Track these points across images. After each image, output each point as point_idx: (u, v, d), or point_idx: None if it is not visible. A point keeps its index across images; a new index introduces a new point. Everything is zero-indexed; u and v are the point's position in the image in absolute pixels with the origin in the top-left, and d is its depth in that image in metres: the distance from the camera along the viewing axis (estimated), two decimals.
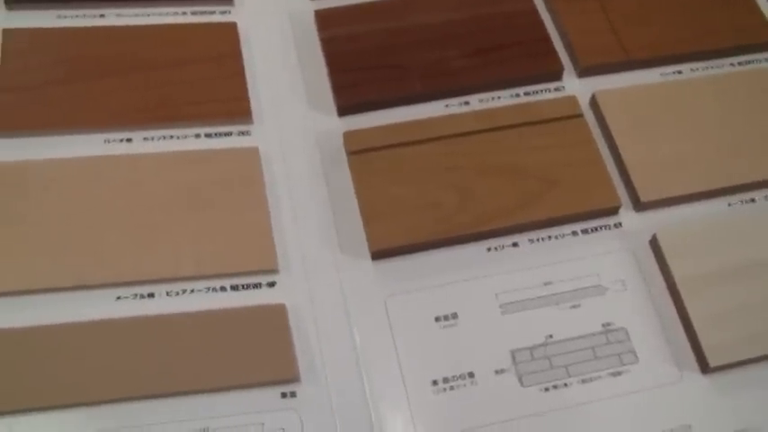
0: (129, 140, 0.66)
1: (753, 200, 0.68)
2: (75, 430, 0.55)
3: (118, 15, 0.73)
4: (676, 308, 0.62)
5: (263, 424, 0.56)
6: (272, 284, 0.61)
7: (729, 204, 0.67)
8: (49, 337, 0.56)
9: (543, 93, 0.72)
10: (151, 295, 0.60)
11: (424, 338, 0.60)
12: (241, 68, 0.70)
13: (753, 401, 0.59)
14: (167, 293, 0.60)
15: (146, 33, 0.71)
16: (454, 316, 0.61)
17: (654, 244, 0.64)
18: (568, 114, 0.68)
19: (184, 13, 0.73)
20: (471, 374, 0.59)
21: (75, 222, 0.61)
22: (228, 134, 0.67)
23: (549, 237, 0.65)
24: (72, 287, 0.59)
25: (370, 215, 0.63)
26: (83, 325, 0.57)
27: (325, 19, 0.73)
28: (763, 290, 0.62)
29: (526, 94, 0.71)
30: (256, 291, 0.61)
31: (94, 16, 0.72)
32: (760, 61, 0.76)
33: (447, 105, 0.70)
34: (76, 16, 0.72)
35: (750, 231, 0.64)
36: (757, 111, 0.70)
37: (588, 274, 0.63)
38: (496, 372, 0.59)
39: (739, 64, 0.75)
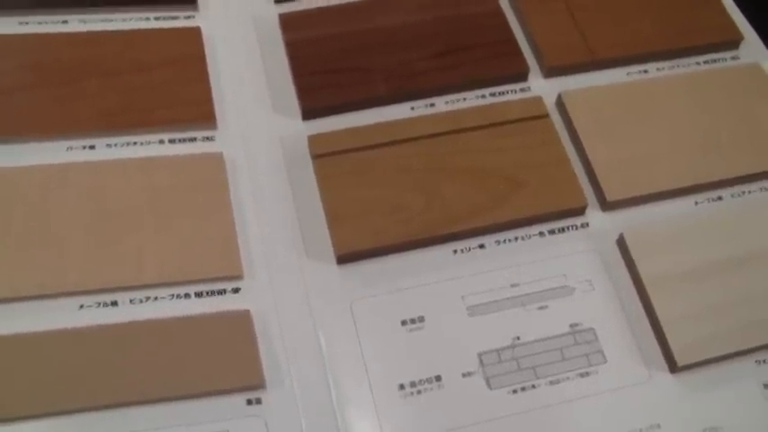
0: (91, 147, 0.65)
1: (720, 198, 0.68)
2: None
3: (81, 21, 0.72)
4: (644, 307, 0.62)
5: (228, 431, 0.55)
6: (236, 290, 0.60)
7: (696, 203, 0.67)
8: (9, 346, 0.56)
9: (509, 94, 0.71)
10: (114, 303, 0.59)
11: (390, 342, 0.59)
12: (205, 73, 0.69)
13: (721, 400, 0.59)
14: (131, 301, 0.59)
15: (109, 39, 0.70)
16: (421, 319, 0.60)
17: (621, 243, 0.64)
18: (534, 115, 0.68)
19: (148, 19, 0.73)
20: (438, 378, 0.58)
21: (37, 230, 0.60)
22: (193, 140, 0.67)
23: (516, 238, 0.64)
24: (34, 296, 0.58)
25: (335, 219, 0.62)
26: (44, 334, 0.56)
27: (289, 22, 0.72)
28: (729, 288, 0.61)
29: (492, 95, 0.71)
30: (221, 297, 0.60)
31: (57, 22, 0.72)
32: (725, 60, 0.76)
33: (412, 108, 0.70)
34: (39, 23, 0.72)
35: (717, 230, 0.64)
36: (723, 110, 0.70)
37: (555, 275, 0.63)
38: (464, 375, 0.58)
39: (705, 63, 0.75)
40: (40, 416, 0.54)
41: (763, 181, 0.69)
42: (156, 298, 0.59)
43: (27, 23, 0.71)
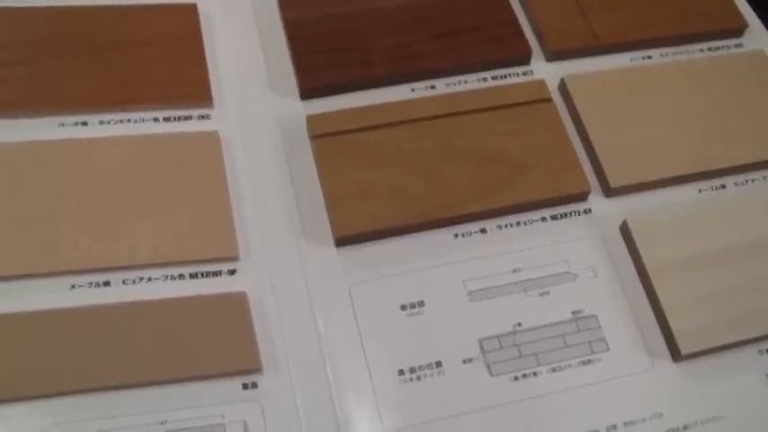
0: (84, 124, 0.64)
1: (723, 186, 0.67)
2: (27, 425, 0.52)
3: None
4: (647, 295, 0.61)
5: (223, 416, 0.54)
6: (232, 272, 0.59)
7: (700, 190, 0.67)
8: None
9: (511, 77, 0.70)
10: (107, 284, 0.57)
11: (389, 327, 0.58)
12: (201, 51, 0.68)
13: (724, 390, 0.58)
14: (124, 282, 0.58)
15: (103, 14, 0.69)
16: (421, 304, 0.59)
17: (624, 230, 0.63)
18: (537, 99, 0.67)
19: None
20: (438, 364, 0.57)
21: (28, 208, 0.58)
22: (188, 118, 0.65)
23: (518, 223, 0.63)
24: (24, 275, 0.56)
25: (333, 201, 0.61)
26: (35, 315, 0.55)
27: (288, 0, 0.71)
28: (733, 276, 0.61)
29: (494, 78, 0.70)
30: (216, 279, 0.59)
31: None
32: (729, 47, 0.75)
33: (413, 89, 0.69)
34: None
35: (721, 218, 0.63)
36: (726, 97, 0.70)
37: (557, 261, 0.62)
38: (464, 361, 0.57)
39: (709, 50, 0.74)
40: (29, 398, 0.53)
41: (767, 169, 0.68)
42: (149, 279, 0.58)
43: None
